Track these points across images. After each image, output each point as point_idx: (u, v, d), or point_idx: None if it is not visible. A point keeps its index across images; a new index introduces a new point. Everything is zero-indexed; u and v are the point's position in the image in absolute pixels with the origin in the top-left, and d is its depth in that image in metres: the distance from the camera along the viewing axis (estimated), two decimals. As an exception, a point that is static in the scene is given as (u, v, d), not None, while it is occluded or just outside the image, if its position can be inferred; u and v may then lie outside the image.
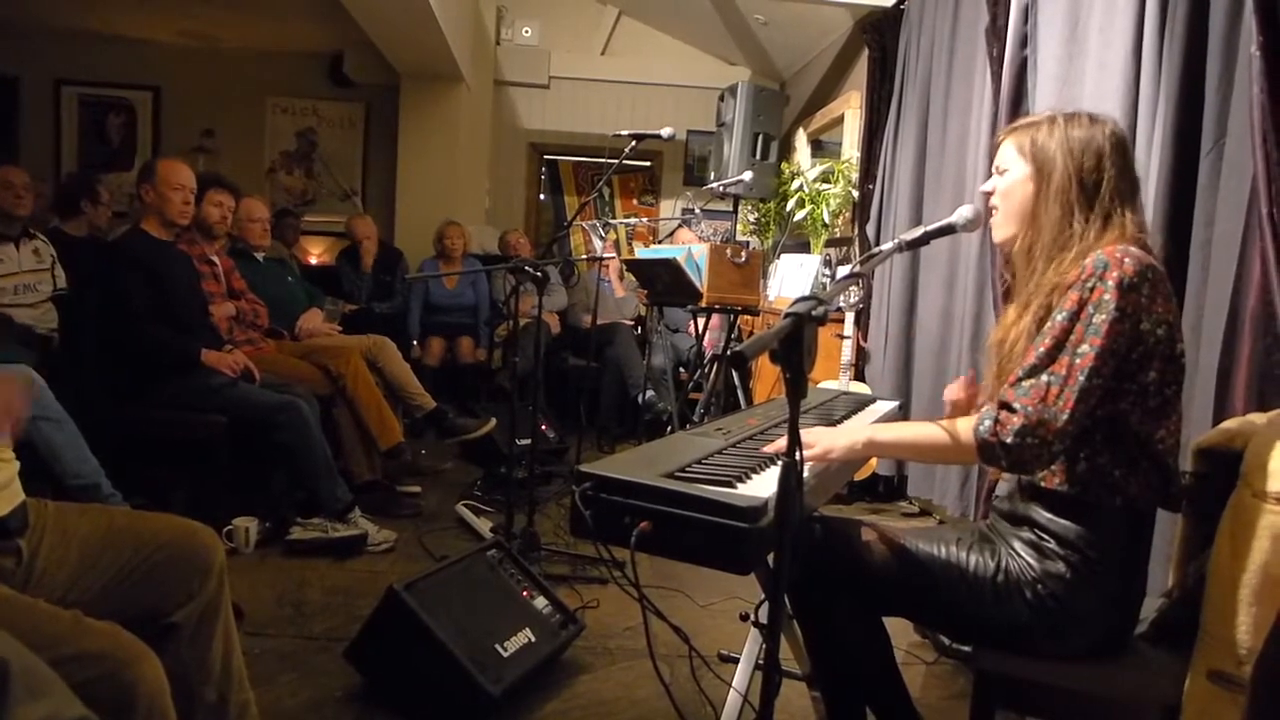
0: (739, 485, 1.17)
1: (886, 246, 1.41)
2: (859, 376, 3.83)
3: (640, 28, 6.43)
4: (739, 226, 5.16)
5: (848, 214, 4.61)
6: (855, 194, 4.41)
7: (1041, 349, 1.24)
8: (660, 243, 5.38)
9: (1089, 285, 1.22)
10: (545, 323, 4.65)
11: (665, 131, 2.93)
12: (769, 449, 1.39)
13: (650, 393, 4.33)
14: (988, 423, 1.24)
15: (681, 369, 4.91)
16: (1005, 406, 1.23)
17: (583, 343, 4.68)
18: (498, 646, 1.89)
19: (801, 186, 4.71)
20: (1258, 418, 1.37)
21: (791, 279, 4.57)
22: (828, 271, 4.43)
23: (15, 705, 0.88)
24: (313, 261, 6.17)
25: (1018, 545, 1.33)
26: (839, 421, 1.77)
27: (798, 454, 1.00)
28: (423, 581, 1.92)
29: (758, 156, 4.67)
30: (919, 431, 1.37)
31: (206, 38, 6.16)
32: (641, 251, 4.70)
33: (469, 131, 6.01)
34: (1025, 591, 1.29)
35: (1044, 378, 1.22)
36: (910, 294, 3.58)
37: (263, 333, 3.46)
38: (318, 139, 6.58)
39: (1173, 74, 2.06)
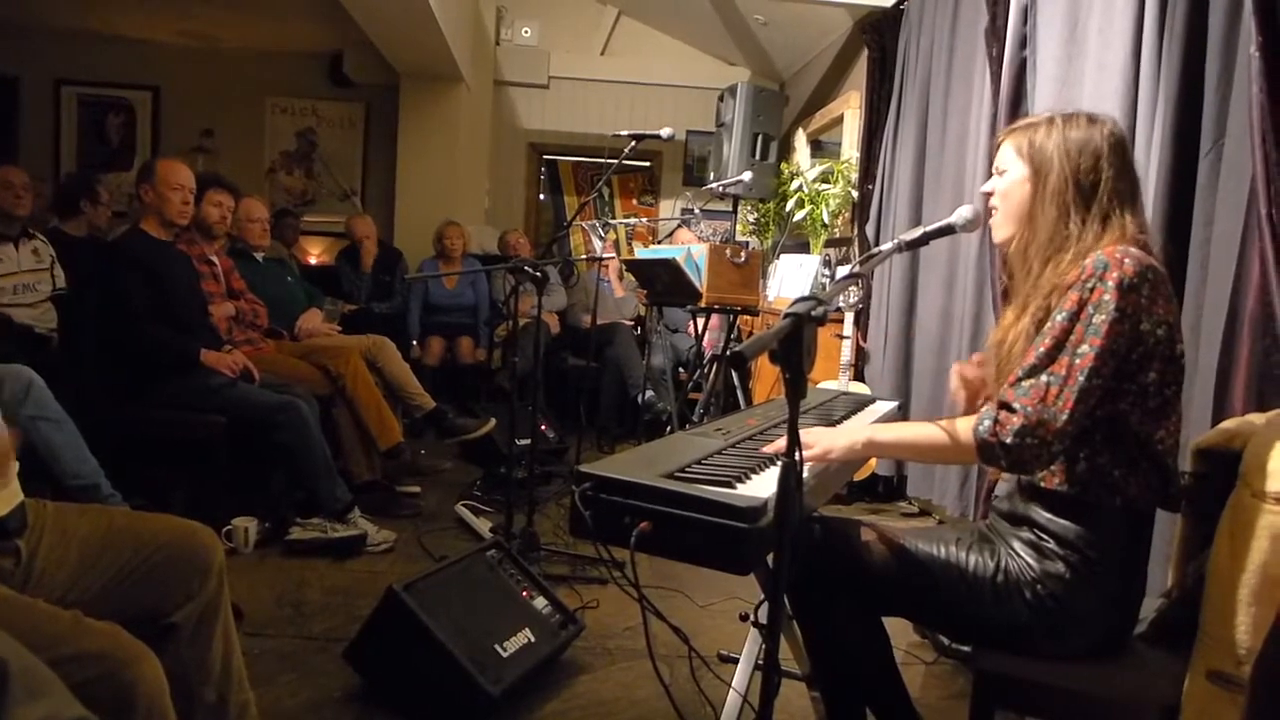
0: (738, 485, 1.17)
1: (886, 247, 1.42)
2: (858, 377, 3.83)
3: (640, 28, 6.43)
4: (738, 227, 5.15)
5: (847, 214, 4.62)
6: (855, 194, 4.41)
7: (1041, 349, 1.24)
8: (660, 243, 5.38)
9: (1089, 286, 1.22)
10: (545, 323, 4.65)
11: (665, 132, 2.93)
12: (768, 449, 1.39)
13: (650, 393, 4.33)
14: (987, 423, 1.24)
15: (681, 369, 4.91)
16: (1005, 406, 1.23)
17: (582, 343, 4.68)
18: (497, 647, 1.89)
19: (801, 187, 4.71)
20: (1257, 418, 1.37)
21: (791, 279, 4.57)
22: (827, 272, 4.43)
23: (14, 705, 0.88)
24: (312, 261, 6.16)
25: (1017, 545, 1.33)
26: (838, 422, 1.77)
27: (797, 454, 1.00)
28: (422, 582, 1.92)
29: (757, 157, 4.67)
30: (918, 432, 1.37)
31: (206, 38, 6.16)
32: (641, 252, 4.70)
33: (469, 131, 6.01)
34: (1025, 591, 1.29)
35: (1044, 378, 1.22)
36: (910, 294, 3.58)
37: (262, 333, 3.46)
38: (317, 139, 6.58)
39: (1172, 74, 2.06)
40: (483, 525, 3.08)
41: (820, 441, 1.36)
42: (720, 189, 4.15)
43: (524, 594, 2.12)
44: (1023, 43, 2.69)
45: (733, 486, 1.16)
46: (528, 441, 2.81)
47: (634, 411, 4.60)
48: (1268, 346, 1.70)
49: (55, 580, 1.27)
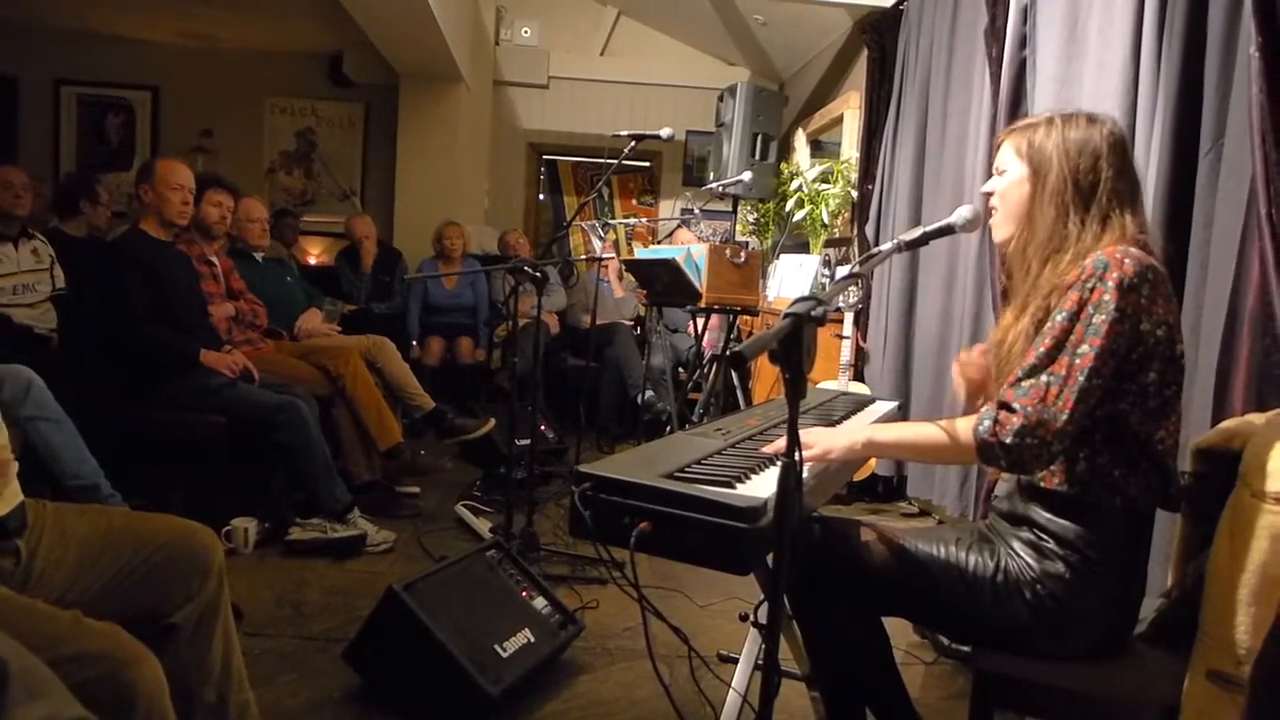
0: (738, 486, 1.17)
1: (885, 247, 1.41)
2: (858, 377, 3.83)
3: (640, 28, 6.43)
4: (738, 227, 5.16)
5: (847, 214, 4.62)
6: (854, 194, 4.41)
7: (1041, 349, 1.24)
8: (659, 243, 5.38)
9: (1089, 286, 1.22)
10: (544, 323, 4.65)
11: (664, 132, 2.93)
12: (768, 449, 1.39)
13: (649, 393, 4.33)
14: (987, 423, 1.24)
15: (681, 369, 4.91)
16: (1004, 406, 1.23)
17: (582, 343, 4.68)
18: (497, 647, 1.89)
19: (801, 187, 4.71)
20: (1256, 418, 1.37)
21: (791, 279, 4.57)
22: (827, 272, 4.43)
23: (14, 706, 0.88)
24: (312, 262, 6.16)
25: (1017, 545, 1.33)
26: (838, 422, 1.77)
27: (797, 454, 1.00)
28: (422, 582, 1.92)
29: (757, 157, 4.67)
30: (918, 432, 1.37)
31: (205, 38, 6.16)
32: (641, 252, 4.70)
33: (468, 132, 6.01)
34: (1024, 591, 1.29)
35: (1043, 378, 1.22)
36: (909, 294, 3.58)
37: (262, 333, 3.46)
38: (317, 139, 6.58)
39: (1171, 75, 2.06)
40: (482, 525, 3.07)
41: (820, 442, 1.36)
42: (720, 189, 4.15)
43: (524, 594, 2.12)
44: (1022, 43, 2.69)
45: (732, 487, 1.16)
46: (527, 442, 2.81)
47: (634, 412, 4.60)
48: (1267, 346, 1.70)
49: (55, 580, 1.27)
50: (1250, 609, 1.13)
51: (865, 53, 4.31)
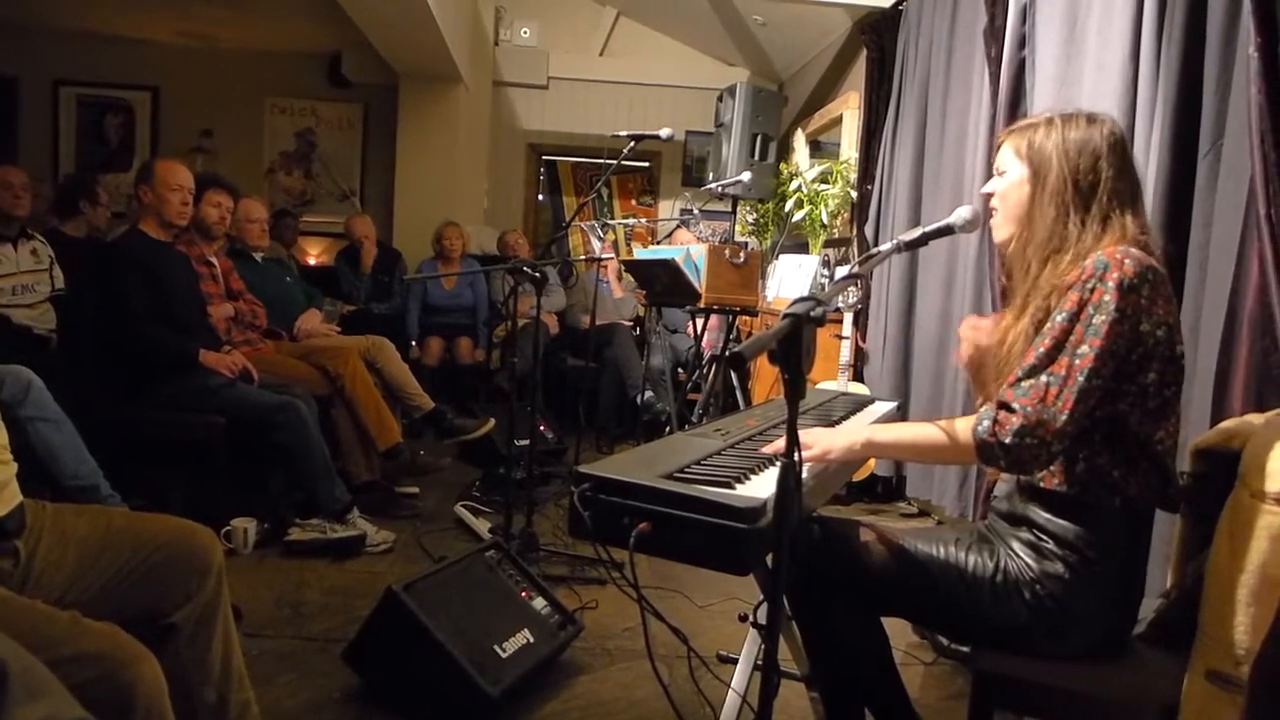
0: (737, 486, 1.17)
1: (885, 247, 1.41)
2: (857, 377, 3.83)
3: (639, 28, 6.43)
4: (737, 227, 5.16)
5: (846, 214, 4.62)
6: (854, 194, 4.41)
7: (1041, 349, 1.24)
8: (659, 243, 5.38)
9: (1089, 286, 1.22)
10: (544, 323, 4.65)
11: (664, 132, 2.93)
12: (767, 450, 1.39)
13: (649, 393, 4.33)
14: (986, 423, 1.24)
15: (680, 370, 4.91)
16: (1004, 407, 1.23)
17: (581, 343, 4.68)
18: (496, 647, 1.89)
19: (800, 187, 4.71)
20: (1255, 418, 1.37)
21: (790, 279, 4.57)
22: (826, 272, 4.43)
23: (14, 706, 0.88)
24: (311, 262, 6.16)
25: (1016, 546, 1.33)
26: (837, 422, 1.77)
27: (796, 455, 1.00)
28: (421, 582, 1.92)
29: (756, 157, 4.68)
30: (918, 432, 1.37)
31: (205, 38, 6.16)
32: (640, 252, 4.70)
33: (467, 132, 6.01)
34: (1024, 592, 1.29)
35: (1043, 378, 1.22)
36: (909, 295, 3.58)
37: (261, 333, 3.46)
38: (316, 139, 6.58)
39: (1171, 75, 2.06)
40: (482, 526, 3.07)
41: (819, 442, 1.36)
42: (719, 189, 4.16)
43: (523, 594, 2.12)
44: (1021, 43, 2.69)
45: (732, 487, 1.16)
46: (526, 442, 2.81)
47: (633, 412, 4.60)
48: (1267, 347, 1.71)
49: (54, 581, 1.27)
50: (1250, 609, 1.13)
51: (864, 53, 4.31)
